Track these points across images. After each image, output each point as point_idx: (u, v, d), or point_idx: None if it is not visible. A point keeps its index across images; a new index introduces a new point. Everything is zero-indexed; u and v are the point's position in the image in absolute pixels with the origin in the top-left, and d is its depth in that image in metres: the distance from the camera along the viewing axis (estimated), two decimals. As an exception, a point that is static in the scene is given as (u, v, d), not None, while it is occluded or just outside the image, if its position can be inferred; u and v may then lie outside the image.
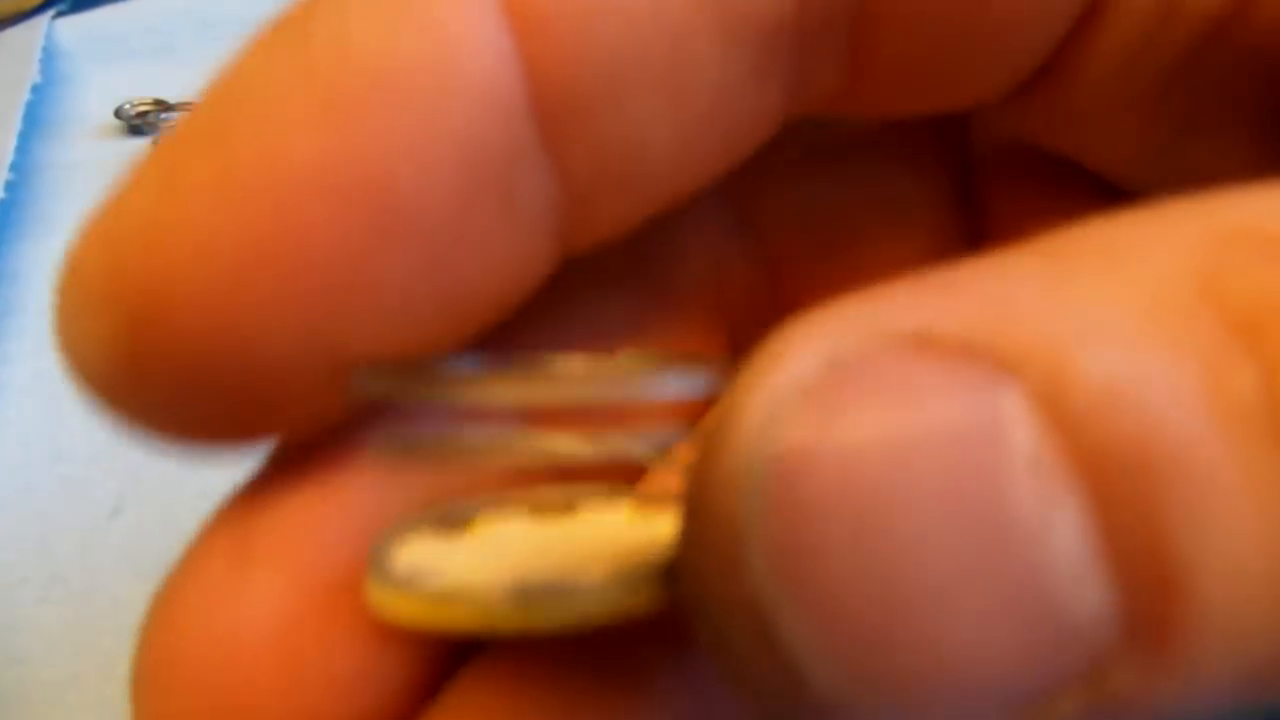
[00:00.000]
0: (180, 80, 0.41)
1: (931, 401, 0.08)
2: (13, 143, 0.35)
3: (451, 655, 0.13)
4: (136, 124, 0.38)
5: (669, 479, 0.15)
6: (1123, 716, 0.09)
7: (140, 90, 0.39)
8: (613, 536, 0.13)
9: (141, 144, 0.38)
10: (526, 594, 0.11)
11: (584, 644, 0.13)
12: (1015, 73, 0.15)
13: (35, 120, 0.38)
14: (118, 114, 0.38)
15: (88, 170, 0.37)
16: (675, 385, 0.11)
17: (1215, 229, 0.09)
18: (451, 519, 0.13)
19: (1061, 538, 0.08)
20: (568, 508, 0.14)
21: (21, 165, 0.36)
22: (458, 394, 0.11)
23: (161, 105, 0.39)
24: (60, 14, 0.45)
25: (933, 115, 0.17)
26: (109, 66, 0.42)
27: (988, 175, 0.18)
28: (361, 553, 0.12)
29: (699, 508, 0.09)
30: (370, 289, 0.11)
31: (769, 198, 0.17)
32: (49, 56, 0.41)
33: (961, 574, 0.08)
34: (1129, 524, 0.08)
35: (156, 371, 0.11)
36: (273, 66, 0.11)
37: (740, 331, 0.17)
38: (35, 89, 0.39)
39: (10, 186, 0.34)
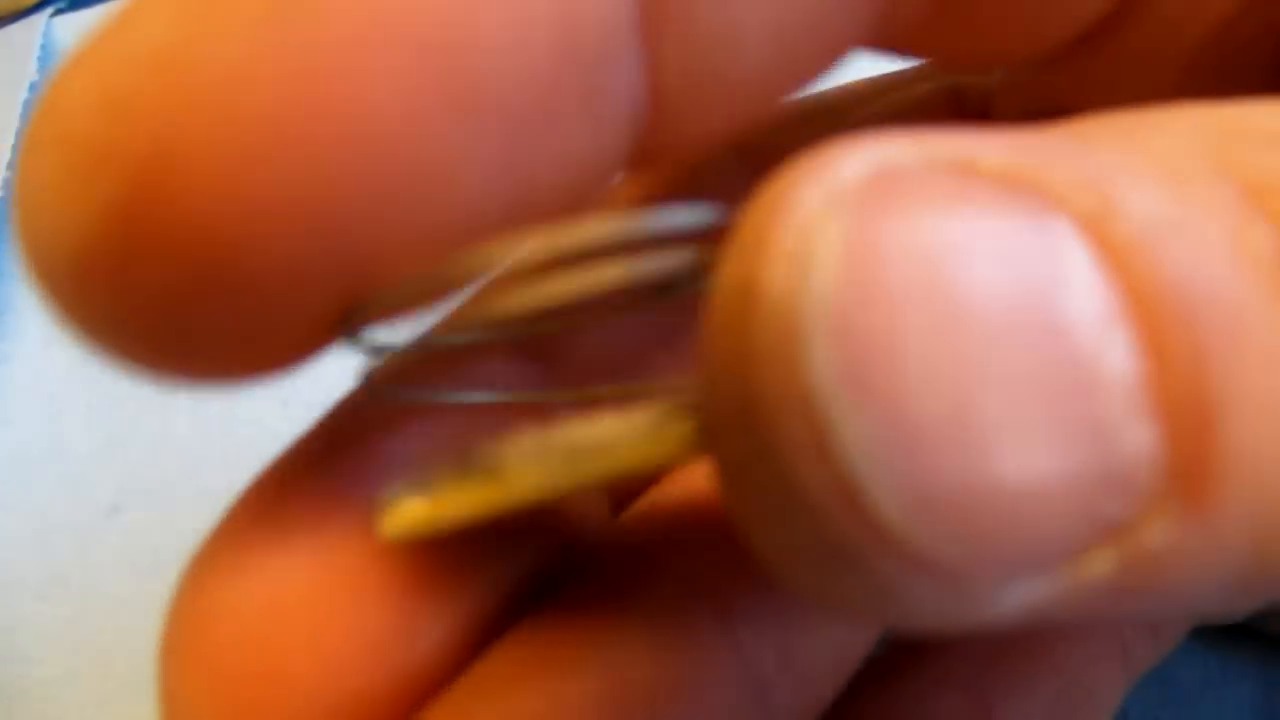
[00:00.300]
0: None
1: (989, 212, 0.08)
2: (11, 141, 0.35)
3: (489, 622, 0.13)
4: (135, 122, 0.38)
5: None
6: (1149, 587, 0.08)
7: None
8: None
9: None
10: (548, 451, 0.10)
11: (629, 605, 0.13)
12: (1085, 13, 0.14)
13: (34, 118, 0.38)
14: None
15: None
16: (685, 217, 0.10)
17: (1219, 125, 0.09)
18: (474, 461, 0.12)
19: (1115, 363, 0.08)
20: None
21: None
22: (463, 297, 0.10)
23: (160, 103, 0.39)
24: (58, 12, 0.45)
25: (999, 62, 0.16)
26: (107, 64, 0.42)
27: None
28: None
29: (745, 289, 0.08)
30: (434, 169, 0.09)
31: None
32: (47, 55, 0.41)
33: (1025, 386, 0.08)
34: (1175, 359, 0.08)
35: (156, 253, 0.09)
36: None
37: None
38: (34, 87, 0.39)
39: (8, 185, 0.34)
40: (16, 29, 0.42)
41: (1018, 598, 0.08)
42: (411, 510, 0.11)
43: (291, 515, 0.12)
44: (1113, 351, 0.08)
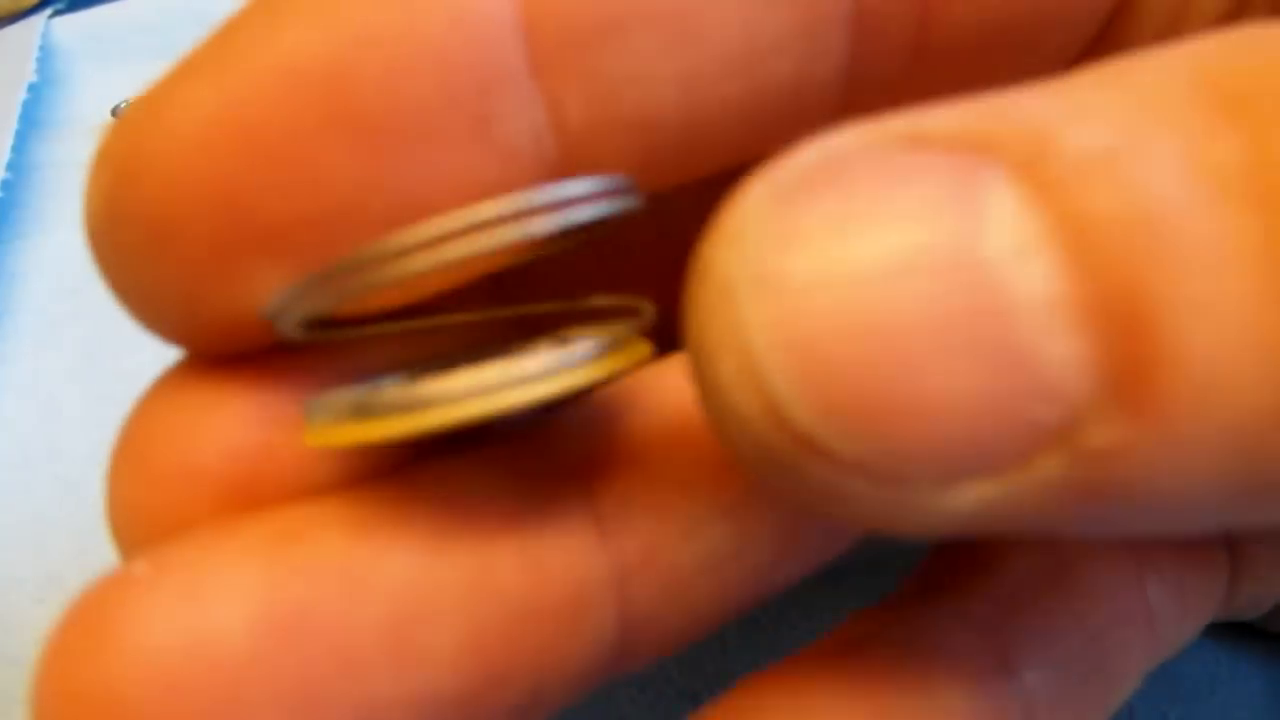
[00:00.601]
0: (177, 79, 0.41)
1: (915, 174, 0.09)
2: (9, 142, 0.35)
3: (381, 453, 0.14)
4: (133, 123, 0.38)
5: None
6: (1111, 489, 0.09)
7: (137, 89, 0.39)
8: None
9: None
10: (563, 365, 0.11)
11: (508, 461, 0.14)
12: (1078, 39, 0.15)
13: (32, 120, 0.38)
14: (114, 113, 0.38)
15: (85, 170, 0.37)
16: (580, 187, 0.11)
17: (1213, 43, 0.10)
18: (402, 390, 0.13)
19: (1030, 284, 0.09)
20: None
21: (18, 165, 0.36)
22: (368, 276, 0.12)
23: (158, 104, 0.39)
24: (57, 13, 0.45)
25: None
26: (106, 66, 0.42)
27: None
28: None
29: (701, 263, 0.10)
30: (315, 176, 0.12)
31: None
32: (46, 56, 0.41)
33: (935, 320, 0.09)
34: (1104, 277, 0.09)
35: (129, 220, 0.12)
36: None
37: None
38: (32, 88, 0.39)
39: (7, 186, 0.34)
40: (15, 30, 0.42)
41: (968, 498, 0.09)
42: (333, 432, 0.12)
43: (227, 385, 0.13)
44: (1029, 276, 0.09)
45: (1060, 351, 0.09)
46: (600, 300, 0.14)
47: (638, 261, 0.17)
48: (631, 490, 0.14)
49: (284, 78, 0.11)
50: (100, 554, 0.23)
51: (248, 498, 0.13)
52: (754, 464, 0.10)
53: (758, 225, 0.09)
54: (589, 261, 0.17)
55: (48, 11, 0.44)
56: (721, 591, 0.15)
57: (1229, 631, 0.20)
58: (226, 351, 0.14)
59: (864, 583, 0.16)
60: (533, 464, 0.14)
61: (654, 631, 0.14)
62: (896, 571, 0.17)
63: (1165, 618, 0.17)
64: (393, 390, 0.11)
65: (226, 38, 0.12)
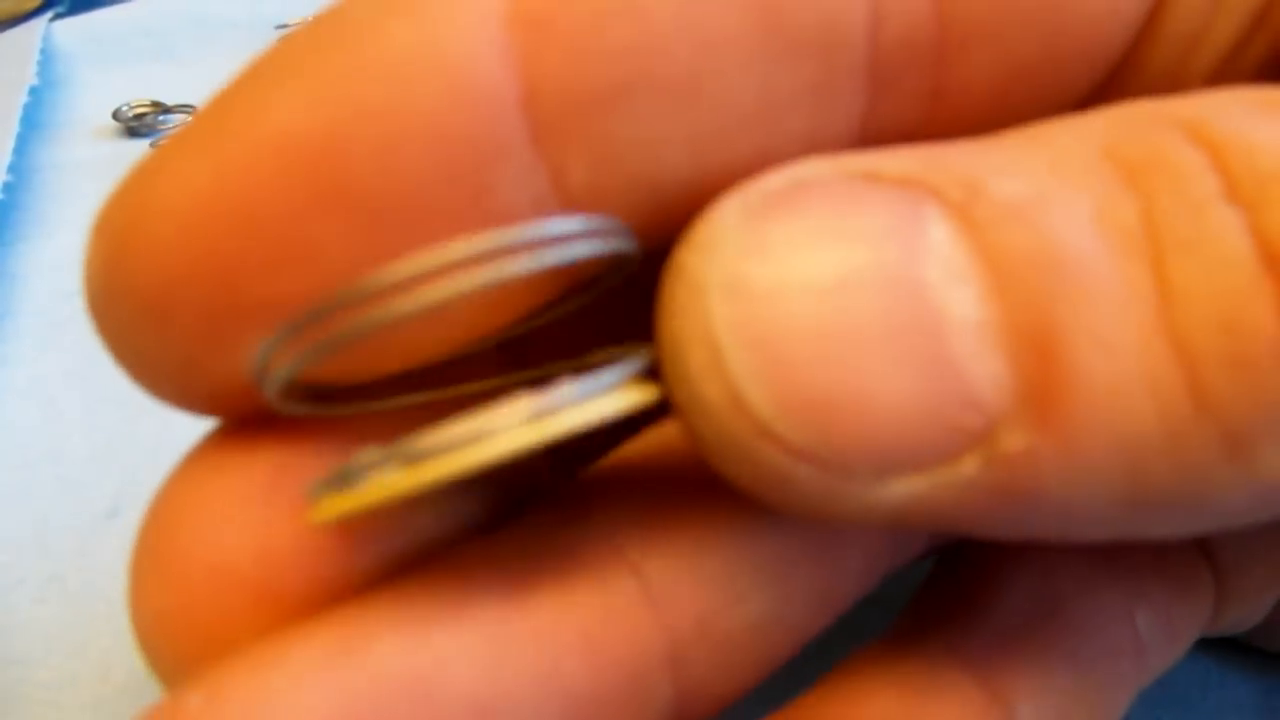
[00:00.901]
0: (177, 82, 0.41)
1: (868, 204, 0.11)
2: (11, 145, 0.35)
3: (425, 549, 0.14)
4: (134, 126, 0.38)
5: None
6: (1019, 491, 0.11)
7: (138, 92, 0.39)
8: None
9: (139, 146, 0.38)
10: (540, 412, 0.11)
11: (548, 550, 0.14)
12: (1095, 74, 0.14)
13: (33, 122, 0.38)
14: (115, 116, 0.38)
15: (85, 172, 0.37)
16: (560, 226, 0.11)
17: (1118, 116, 0.11)
18: (392, 453, 0.12)
19: (961, 308, 0.10)
20: None
21: (19, 167, 0.36)
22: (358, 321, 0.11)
23: (159, 107, 0.39)
24: (58, 16, 0.45)
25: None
26: (107, 69, 0.42)
27: None
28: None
29: (675, 266, 0.11)
30: (307, 252, 0.11)
31: None
32: (47, 59, 0.41)
33: (878, 329, 0.10)
34: (1020, 306, 0.10)
35: (124, 293, 0.12)
36: (283, 47, 0.12)
37: None
38: (33, 91, 0.39)
39: (8, 188, 0.34)
40: (17, 33, 0.43)
41: (900, 490, 0.11)
42: (334, 503, 0.12)
43: (261, 443, 0.13)
44: (960, 301, 0.10)
45: (983, 368, 0.10)
46: (604, 354, 0.13)
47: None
48: (679, 560, 0.14)
49: (275, 152, 0.11)
50: (100, 556, 0.23)
51: (287, 599, 0.13)
52: (716, 450, 0.11)
53: (728, 236, 0.11)
54: (598, 325, 0.16)
55: (49, 15, 0.44)
56: (768, 652, 0.15)
57: (1218, 642, 0.20)
58: (230, 416, 0.14)
59: (860, 613, 0.17)
60: (576, 537, 0.14)
61: (705, 697, 0.14)
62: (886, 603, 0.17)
63: (1154, 645, 0.17)
64: (367, 455, 0.11)
65: (219, 109, 0.12)
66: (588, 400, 0.11)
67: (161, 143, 0.13)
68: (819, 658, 0.16)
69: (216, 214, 0.11)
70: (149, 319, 0.12)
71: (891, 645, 0.16)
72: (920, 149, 0.11)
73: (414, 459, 0.11)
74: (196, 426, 0.14)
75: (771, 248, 0.11)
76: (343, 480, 0.11)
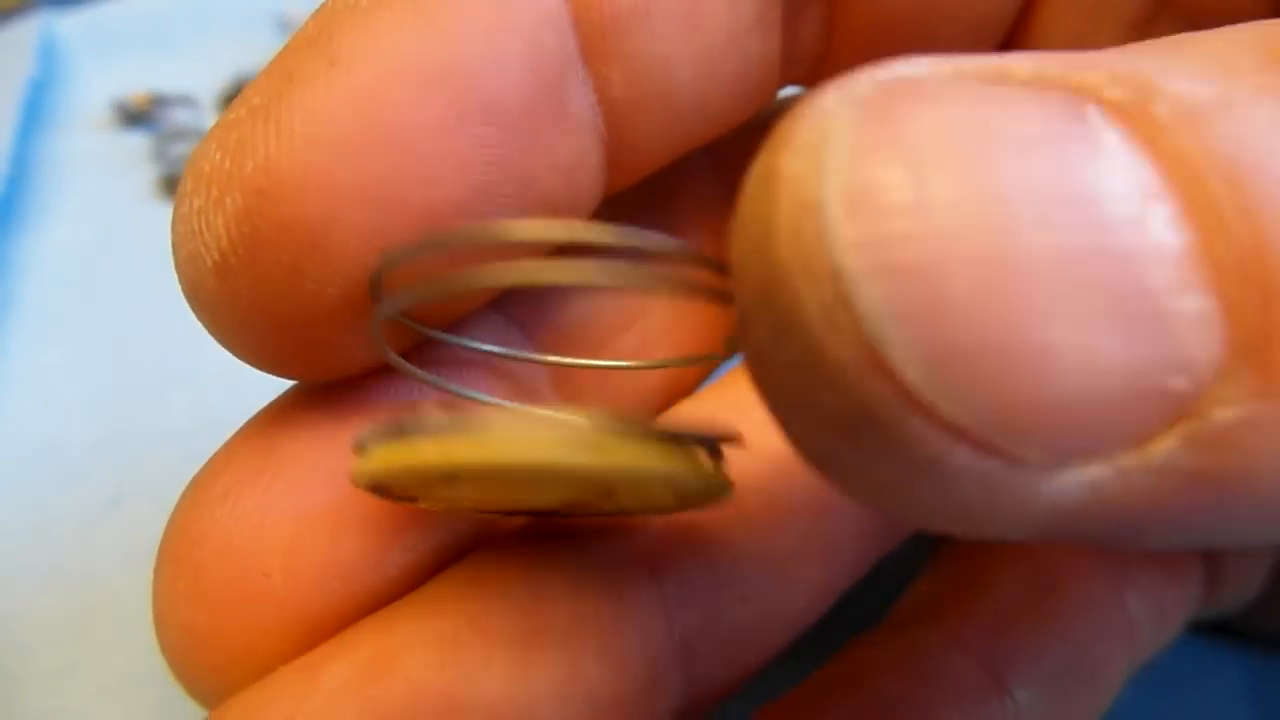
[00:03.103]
0: (177, 74, 0.41)
1: (1016, 103, 0.08)
2: (11, 136, 0.35)
3: (450, 554, 0.14)
4: (134, 117, 0.38)
5: None
6: (1226, 478, 0.08)
7: (138, 83, 0.39)
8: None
9: (139, 137, 0.38)
10: (606, 438, 0.10)
11: (562, 550, 0.14)
12: (980, 43, 0.16)
13: (33, 114, 0.38)
14: (115, 107, 0.38)
15: (85, 163, 0.37)
16: (656, 239, 0.11)
17: (1269, 28, 0.09)
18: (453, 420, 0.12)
19: (1159, 234, 0.08)
20: None
21: (19, 158, 0.36)
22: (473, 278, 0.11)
23: (159, 98, 0.39)
24: (58, 7, 0.45)
25: None
26: (106, 60, 0.42)
27: None
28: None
29: (767, 175, 0.08)
30: (454, 164, 0.12)
31: None
32: (47, 50, 0.41)
33: (1062, 254, 0.07)
34: (1230, 226, 0.08)
35: (276, 238, 0.12)
36: None
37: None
38: (33, 82, 0.39)
39: (8, 180, 0.34)
40: (16, 25, 0.43)
41: (1077, 483, 0.08)
42: (386, 454, 0.11)
43: (285, 451, 0.14)
44: (1155, 223, 0.08)
45: (1189, 310, 0.08)
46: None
47: None
48: (688, 560, 0.15)
49: (410, 75, 0.12)
50: (101, 544, 0.23)
51: (318, 615, 0.13)
52: (828, 428, 0.08)
53: (846, 133, 0.08)
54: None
55: (49, 6, 0.44)
56: (771, 641, 0.15)
57: (1210, 627, 0.21)
58: (336, 378, 0.14)
59: (861, 592, 0.17)
60: (595, 544, 0.14)
61: (713, 685, 0.15)
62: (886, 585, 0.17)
63: (1145, 627, 0.17)
64: (431, 417, 0.11)
65: (323, 44, 0.12)
66: (660, 445, 0.11)
67: (248, 90, 0.13)
68: (821, 642, 0.16)
69: (367, 137, 0.12)
70: (307, 258, 0.12)
71: (891, 630, 0.16)
72: (1041, 52, 0.09)
73: (476, 432, 0.11)
74: (197, 416, 0.14)
75: (909, 147, 0.08)
76: (399, 433, 0.11)
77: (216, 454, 0.14)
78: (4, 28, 0.42)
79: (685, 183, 0.18)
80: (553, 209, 0.14)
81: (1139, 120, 0.08)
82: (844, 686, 0.15)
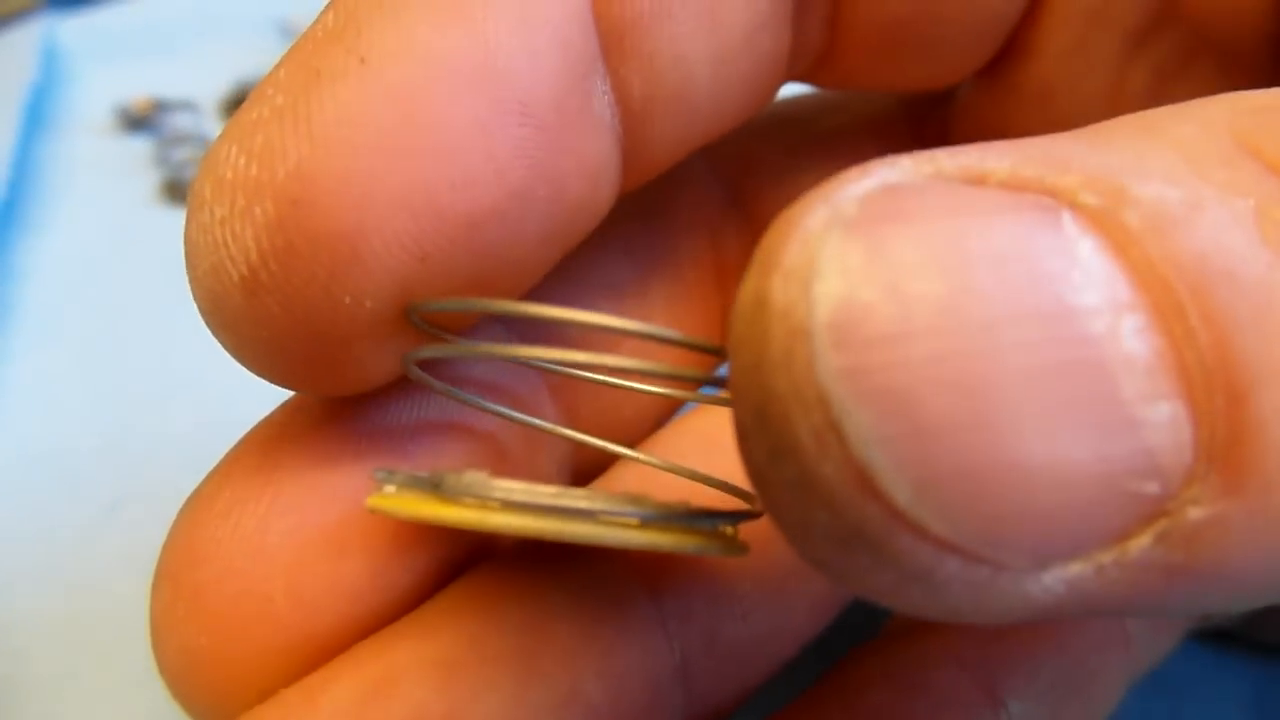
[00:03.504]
0: (179, 79, 0.41)
1: (992, 215, 0.08)
2: (13, 141, 0.35)
3: (451, 572, 0.14)
4: (136, 122, 0.38)
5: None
6: (1202, 567, 0.08)
7: (140, 88, 0.39)
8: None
9: (141, 142, 0.38)
10: (541, 506, 0.11)
11: (562, 571, 0.14)
12: (980, 47, 0.16)
13: (35, 118, 0.38)
14: (117, 112, 0.39)
15: (87, 168, 0.37)
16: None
17: (1239, 103, 0.09)
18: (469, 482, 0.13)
19: (1130, 346, 0.08)
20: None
21: (21, 163, 0.36)
22: (497, 349, 0.12)
23: (160, 104, 0.39)
24: (60, 13, 0.45)
25: (908, 90, 0.18)
26: (109, 65, 0.42)
27: None
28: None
29: (758, 303, 0.08)
30: (493, 164, 0.12)
31: (761, 181, 0.19)
32: (49, 55, 0.42)
33: (1035, 372, 0.08)
34: (1196, 334, 0.08)
35: (309, 245, 0.11)
36: None
37: (729, 288, 0.19)
38: (35, 87, 0.39)
39: (10, 184, 0.34)
40: (19, 29, 0.43)
41: (1059, 581, 0.08)
42: (399, 502, 0.12)
43: (285, 469, 0.13)
44: (1126, 335, 0.08)
45: (1161, 418, 0.08)
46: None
47: None
48: (689, 577, 0.15)
49: (447, 72, 0.11)
50: (100, 549, 0.23)
51: (321, 638, 0.13)
52: (828, 544, 0.09)
53: (832, 260, 0.08)
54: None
55: (51, 11, 0.45)
56: (772, 657, 0.15)
57: (1212, 635, 0.21)
58: (355, 393, 0.13)
59: (859, 606, 0.17)
60: (594, 562, 0.14)
61: (713, 702, 0.15)
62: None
63: (1142, 638, 0.17)
64: (472, 479, 0.11)
65: (350, 39, 0.11)
66: (691, 530, 0.11)
67: (268, 87, 0.12)
68: (820, 657, 0.16)
69: (404, 137, 0.11)
70: (343, 264, 0.11)
71: (887, 644, 0.16)
72: (1014, 143, 0.09)
73: (513, 505, 0.11)
74: (197, 422, 0.14)
75: (891, 272, 0.08)
76: (432, 485, 0.11)
77: (215, 469, 0.14)
78: (6, 32, 0.42)
79: (682, 179, 0.18)
80: (579, 212, 0.13)
81: (1111, 228, 0.08)
82: (838, 701, 0.15)
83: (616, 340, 0.17)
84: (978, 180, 0.09)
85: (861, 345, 0.08)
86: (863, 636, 0.17)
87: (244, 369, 0.13)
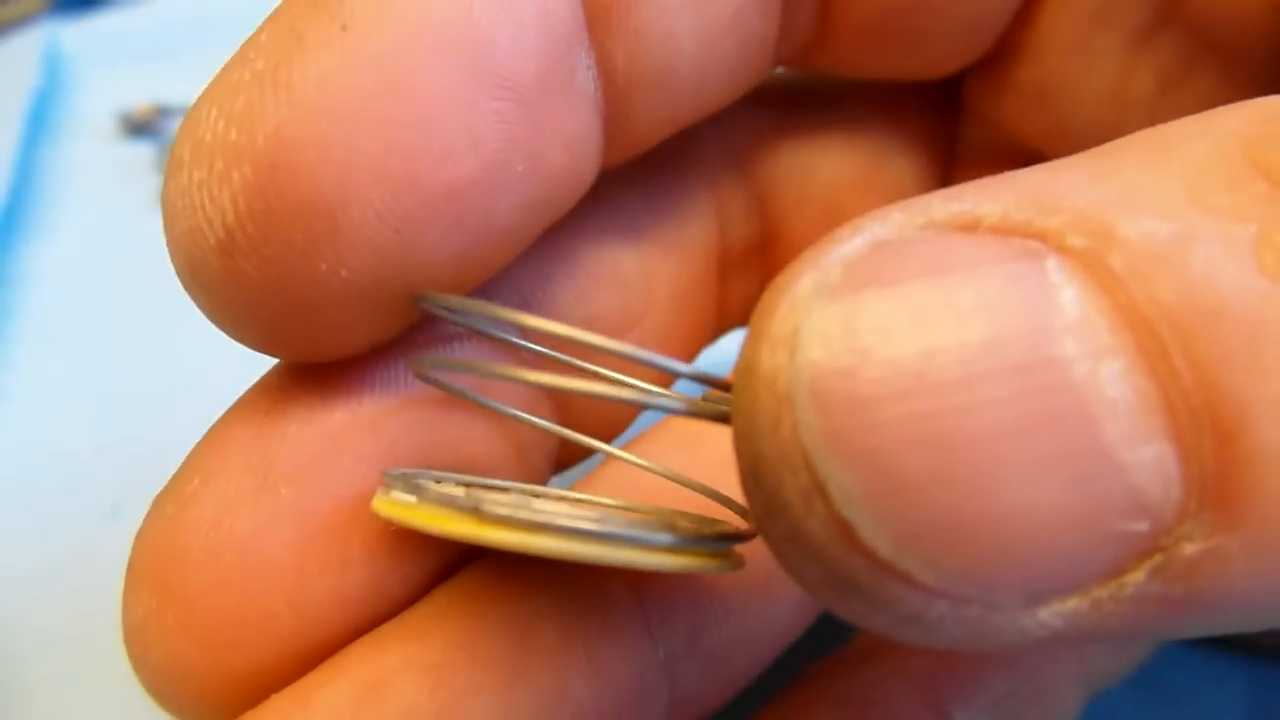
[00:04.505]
0: (181, 84, 0.41)
1: (974, 268, 0.08)
2: (15, 146, 0.35)
3: (447, 572, 0.14)
4: (138, 127, 0.38)
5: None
6: (1201, 596, 0.09)
7: (141, 94, 0.39)
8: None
9: (142, 147, 0.38)
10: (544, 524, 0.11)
11: (549, 572, 0.14)
12: (973, 39, 0.16)
13: (38, 123, 0.38)
14: (119, 117, 0.39)
15: (89, 174, 0.37)
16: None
17: (1257, 113, 0.09)
18: (480, 485, 0.13)
19: (1112, 390, 0.08)
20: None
21: (23, 168, 0.36)
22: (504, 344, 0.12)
23: (162, 109, 0.39)
24: (63, 18, 0.45)
25: (901, 79, 0.18)
26: (111, 71, 0.42)
27: (968, 169, 0.19)
28: (375, 480, 0.13)
29: (749, 369, 0.09)
30: (472, 135, 0.12)
31: (775, 166, 0.19)
32: (51, 61, 0.42)
33: (1013, 426, 0.08)
34: (1180, 375, 0.08)
35: (287, 213, 0.11)
36: None
37: (732, 286, 0.19)
38: (38, 93, 0.39)
39: (12, 190, 0.34)
40: (21, 35, 0.43)
41: (1055, 614, 0.09)
42: (428, 518, 0.11)
43: (278, 471, 0.13)
44: (1108, 379, 0.08)
45: (1146, 459, 0.08)
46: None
47: None
48: (673, 581, 0.15)
49: (429, 41, 0.11)
50: (101, 554, 0.23)
51: (320, 645, 0.13)
52: (823, 588, 0.09)
53: (812, 325, 0.09)
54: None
55: (53, 17, 0.45)
56: (756, 657, 0.15)
57: (1207, 640, 0.21)
58: (335, 358, 0.13)
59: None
60: (580, 567, 0.14)
61: (696, 703, 0.15)
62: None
63: (1097, 651, 0.17)
64: (513, 501, 0.11)
65: (333, 4, 0.11)
66: (714, 552, 0.12)
67: (242, 55, 0.12)
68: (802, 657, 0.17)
69: (382, 105, 0.11)
70: (320, 233, 0.11)
71: (845, 663, 0.17)
72: (1013, 178, 0.09)
73: (554, 529, 0.11)
74: (198, 425, 0.14)
75: (867, 337, 0.08)
76: (471, 507, 0.11)
77: (191, 464, 0.13)
78: (9, 38, 0.43)
79: (689, 161, 0.18)
80: (558, 186, 0.13)
81: (1097, 270, 0.08)
82: (795, 716, 0.16)
83: (635, 344, 0.17)
84: (970, 226, 0.09)
85: (841, 410, 0.08)
86: (845, 637, 0.17)
87: (242, 370, 0.13)
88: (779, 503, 0.09)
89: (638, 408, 0.15)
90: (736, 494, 0.10)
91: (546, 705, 0.13)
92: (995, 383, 0.08)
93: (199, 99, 0.12)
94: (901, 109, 0.19)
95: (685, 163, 0.17)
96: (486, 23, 0.12)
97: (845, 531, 0.08)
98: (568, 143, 0.13)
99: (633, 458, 0.16)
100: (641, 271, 0.17)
